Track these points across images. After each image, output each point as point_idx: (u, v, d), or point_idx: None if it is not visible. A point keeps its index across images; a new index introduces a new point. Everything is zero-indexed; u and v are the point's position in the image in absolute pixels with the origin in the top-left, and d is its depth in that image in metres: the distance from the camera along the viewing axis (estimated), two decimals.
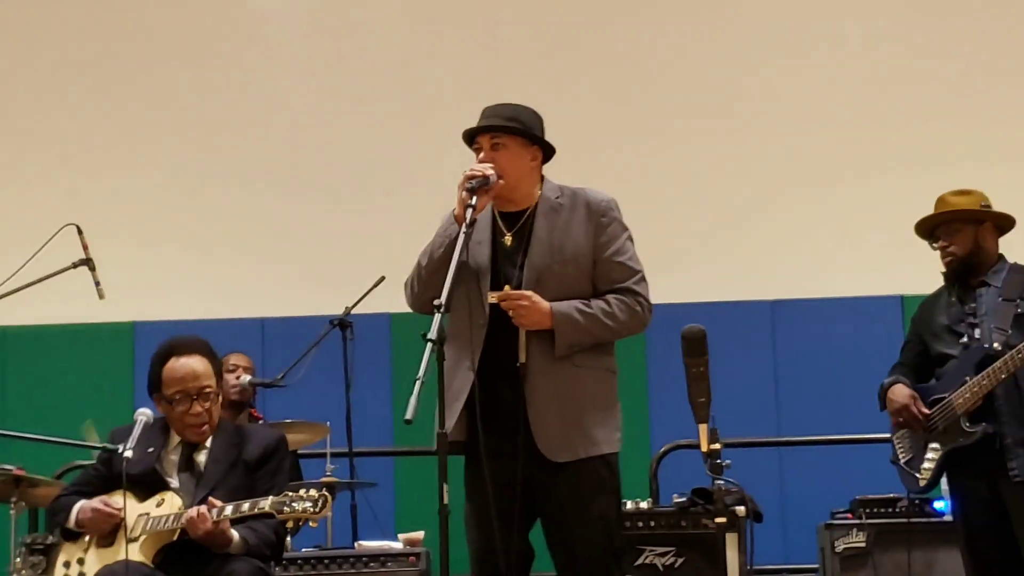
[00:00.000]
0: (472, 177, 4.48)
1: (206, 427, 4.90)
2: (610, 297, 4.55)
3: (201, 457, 4.91)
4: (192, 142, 9.16)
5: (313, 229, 9.06)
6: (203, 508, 4.61)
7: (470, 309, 4.51)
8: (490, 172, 4.50)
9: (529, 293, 4.46)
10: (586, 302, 4.53)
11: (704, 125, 9.20)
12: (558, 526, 4.49)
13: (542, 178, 4.70)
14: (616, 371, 4.61)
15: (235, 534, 4.68)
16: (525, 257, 4.57)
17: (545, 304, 4.46)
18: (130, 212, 8.96)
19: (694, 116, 9.22)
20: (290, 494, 4.55)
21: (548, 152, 4.68)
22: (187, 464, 4.90)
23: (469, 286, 4.54)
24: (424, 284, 4.55)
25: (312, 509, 4.50)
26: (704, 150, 9.16)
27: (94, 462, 5.17)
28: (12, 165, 9.07)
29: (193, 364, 4.89)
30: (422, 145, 8.96)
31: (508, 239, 4.61)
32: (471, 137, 4.66)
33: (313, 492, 4.54)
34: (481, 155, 4.59)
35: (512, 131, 4.60)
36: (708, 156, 9.15)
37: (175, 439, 4.95)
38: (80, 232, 5.66)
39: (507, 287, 4.52)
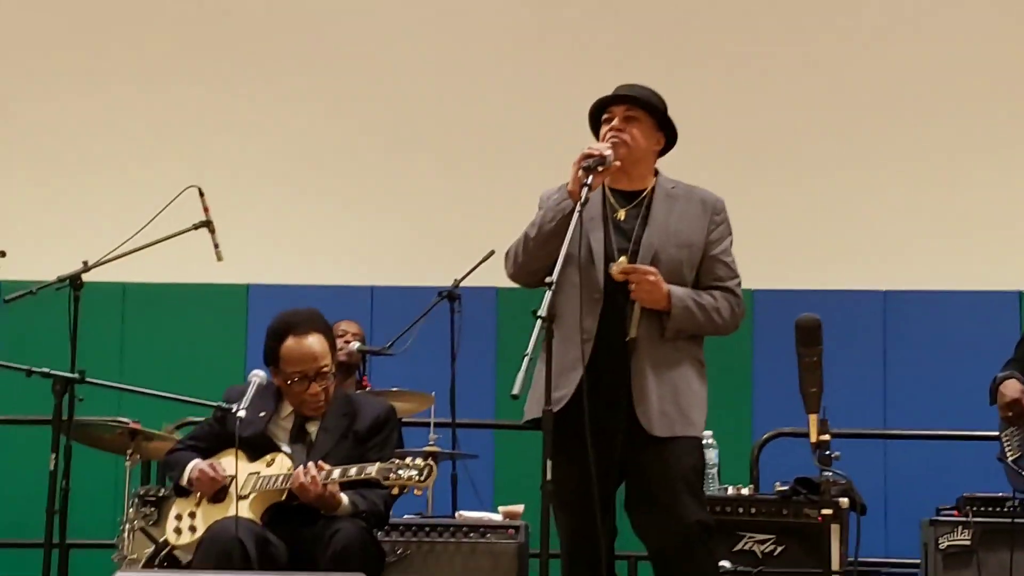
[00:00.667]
0: (590, 156, 4.50)
1: (322, 404, 4.96)
2: (717, 294, 4.61)
3: (313, 427, 4.98)
4: (312, 110, 9.26)
5: (426, 200, 9.12)
6: (312, 470, 4.68)
7: (581, 283, 4.51)
8: (608, 152, 4.51)
9: (655, 270, 4.50)
10: (698, 293, 4.58)
11: (820, 111, 9.12)
12: (653, 500, 4.50)
13: (656, 170, 4.73)
14: (704, 363, 4.67)
15: (344, 498, 4.76)
16: (641, 233, 4.59)
17: (665, 285, 4.51)
18: (248, 176, 9.08)
19: (810, 103, 9.14)
20: (396, 461, 4.62)
21: (669, 145, 4.72)
22: (299, 434, 4.97)
23: (579, 261, 4.54)
24: (529, 255, 4.58)
25: (417, 477, 4.57)
26: (821, 137, 9.08)
27: (208, 418, 5.28)
28: (138, 129, 9.21)
29: (311, 344, 4.91)
30: (536, 122, 8.98)
31: (622, 214, 4.63)
32: (602, 107, 4.68)
33: (419, 461, 4.60)
34: (614, 123, 4.62)
35: (649, 108, 4.64)
36: (825, 142, 9.07)
37: (288, 407, 5.02)
38: (202, 194, 5.76)
39: (622, 259, 4.53)
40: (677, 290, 4.53)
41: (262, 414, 4.96)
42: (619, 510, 4.61)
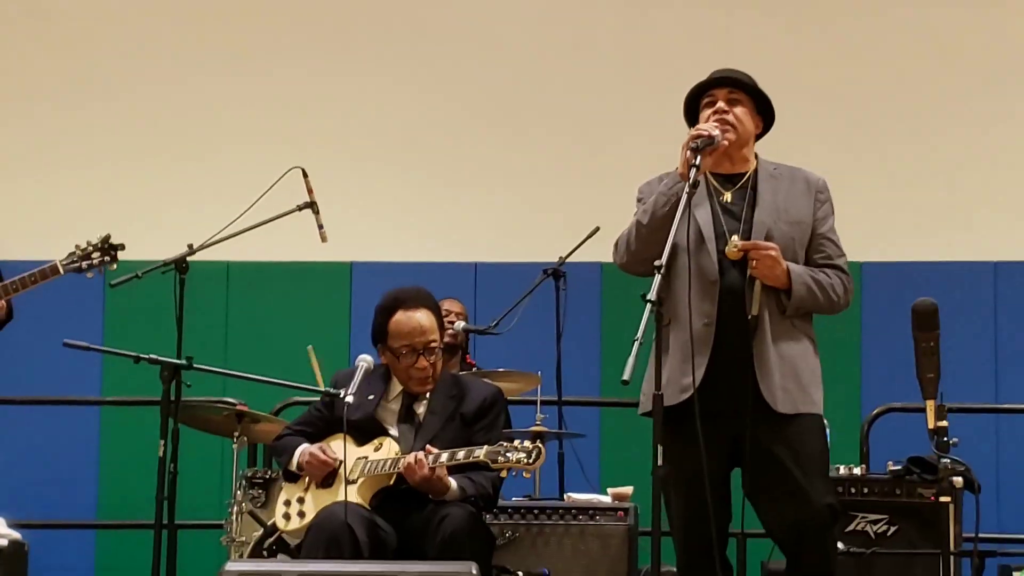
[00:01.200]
0: (698, 136, 4.47)
1: (430, 380, 4.96)
2: (831, 272, 4.62)
3: (420, 408, 4.99)
4: (413, 87, 9.23)
5: (529, 176, 9.06)
6: (420, 454, 4.68)
7: (693, 269, 4.49)
8: (716, 132, 4.49)
9: (775, 246, 4.50)
10: (814, 270, 4.59)
11: (928, 80, 8.92)
12: (782, 483, 4.46)
13: (756, 153, 4.74)
14: (816, 341, 4.66)
15: (453, 482, 4.76)
16: (752, 213, 4.59)
17: (784, 262, 4.51)
18: (352, 153, 9.08)
19: (917, 72, 8.94)
20: (504, 444, 4.61)
21: (766, 128, 4.75)
22: (407, 414, 4.98)
23: (688, 247, 4.51)
24: (644, 242, 4.56)
25: (526, 460, 4.55)
26: (926, 104, 8.89)
27: (315, 400, 5.29)
28: (240, 111, 9.25)
29: (420, 318, 4.95)
30: (642, 101, 8.87)
31: (728, 196, 4.64)
32: (701, 91, 4.67)
33: (527, 443, 4.59)
34: (718, 105, 4.62)
35: (751, 91, 4.68)
36: (930, 110, 8.88)
37: (396, 388, 5.03)
38: (305, 175, 5.77)
39: (734, 239, 4.52)
40: (795, 267, 4.55)
41: (371, 397, 4.98)
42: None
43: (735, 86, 4.65)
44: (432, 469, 4.67)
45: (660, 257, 4.30)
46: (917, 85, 8.93)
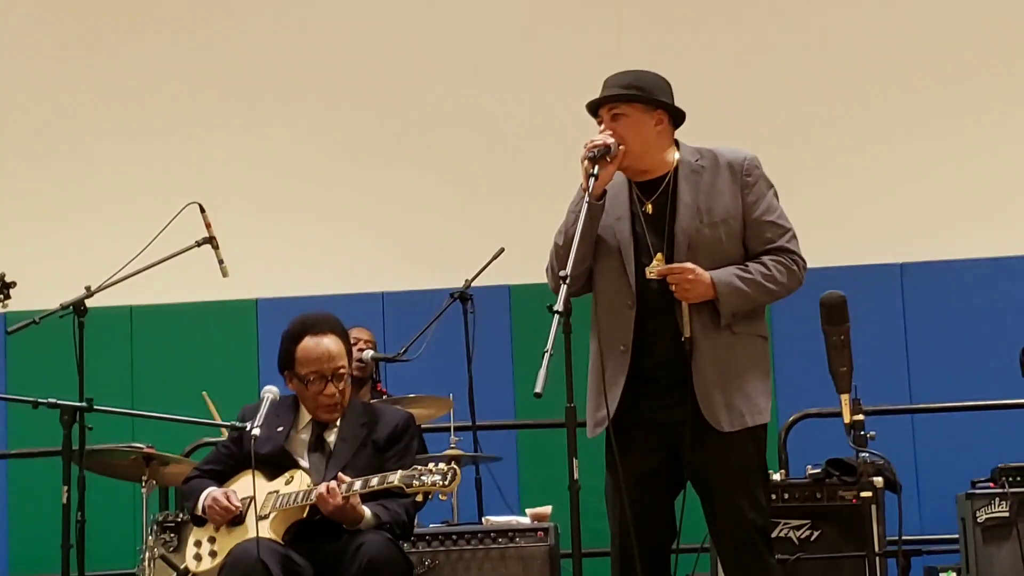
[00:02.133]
0: (593, 147, 4.39)
1: (339, 407, 4.87)
2: (766, 259, 4.42)
3: (331, 437, 4.88)
4: (312, 119, 9.17)
5: (432, 203, 9.02)
6: (332, 483, 4.58)
7: (616, 290, 4.43)
8: (610, 140, 4.41)
9: (692, 266, 4.35)
10: (744, 267, 4.41)
11: (832, 85, 8.99)
12: (721, 497, 4.40)
13: (677, 143, 4.56)
14: (767, 336, 4.51)
15: (367, 510, 4.66)
16: (673, 223, 4.45)
17: (707, 275, 4.34)
18: (251, 189, 9.00)
19: (822, 76, 9.01)
20: (419, 468, 4.52)
21: (677, 116, 4.55)
22: (317, 443, 4.88)
23: (612, 265, 4.45)
24: (562, 263, 4.40)
25: (441, 482, 4.47)
26: (832, 110, 8.96)
27: (224, 440, 5.18)
28: (135, 145, 9.14)
29: (328, 344, 4.85)
30: (542, 118, 8.86)
31: (649, 207, 4.49)
32: (594, 111, 4.56)
33: (442, 466, 4.50)
34: (602, 127, 4.49)
35: (629, 98, 4.48)
36: (836, 116, 8.95)
37: (305, 418, 4.93)
38: (203, 210, 5.67)
39: (658, 256, 4.42)
40: (720, 274, 4.36)
41: (280, 428, 4.87)
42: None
43: (611, 102, 4.49)
44: (345, 498, 4.57)
45: (587, 275, 4.31)
46: (822, 91, 8.99)
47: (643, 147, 4.48)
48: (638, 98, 4.48)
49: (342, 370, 4.85)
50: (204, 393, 6.50)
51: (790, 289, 4.47)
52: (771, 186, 4.52)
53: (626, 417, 4.39)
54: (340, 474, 4.64)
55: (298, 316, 4.99)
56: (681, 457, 4.39)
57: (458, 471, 4.50)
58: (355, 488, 4.58)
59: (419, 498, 4.59)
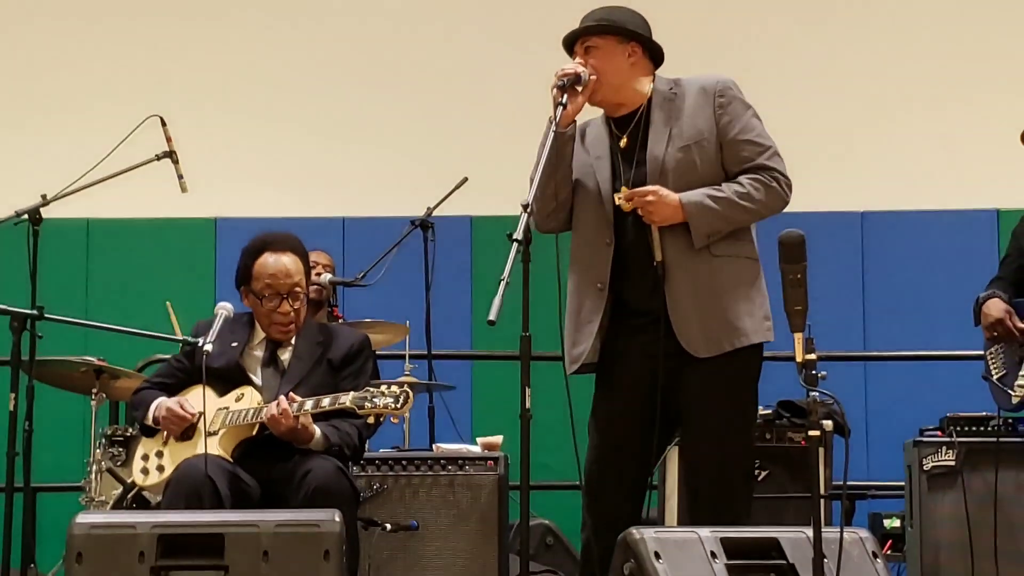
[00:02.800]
0: (563, 75, 4.37)
1: (292, 326, 4.84)
2: (742, 178, 4.38)
3: (285, 355, 4.86)
4: (279, 38, 9.07)
5: (396, 129, 8.96)
6: (284, 402, 4.56)
7: (595, 228, 4.41)
8: (581, 69, 4.39)
9: (655, 188, 4.32)
10: (717, 187, 4.35)
11: (801, 31, 8.97)
12: (688, 430, 4.39)
13: (655, 77, 4.52)
14: (758, 258, 4.43)
15: (317, 430, 4.65)
16: (644, 151, 4.42)
17: (674, 196, 4.30)
18: (214, 107, 8.90)
19: (790, 22, 8.99)
20: (371, 389, 4.51)
21: (654, 51, 4.52)
22: (271, 360, 4.86)
23: (590, 204, 4.44)
24: (538, 200, 4.39)
25: (393, 405, 4.45)
26: (800, 57, 8.93)
27: (176, 355, 5.15)
28: (97, 55, 9.02)
29: (285, 262, 4.83)
30: (508, 46, 8.80)
31: (623, 141, 4.47)
32: (570, 47, 4.53)
33: (395, 388, 4.49)
34: (576, 59, 4.47)
35: (601, 30, 4.46)
36: (803, 63, 8.93)
37: (260, 335, 4.91)
38: (164, 124, 5.61)
39: (623, 188, 4.38)
40: (689, 195, 4.32)
41: (234, 344, 4.85)
42: None
43: (584, 34, 4.47)
44: (296, 418, 4.55)
45: (565, 208, 4.34)
46: (789, 37, 8.96)
47: (616, 78, 4.45)
48: (609, 29, 4.46)
49: (297, 289, 4.83)
50: (168, 303, 6.44)
51: (771, 207, 4.40)
52: (748, 107, 4.47)
53: (609, 353, 4.40)
54: (291, 393, 4.63)
55: (259, 233, 4.96)
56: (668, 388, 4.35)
57: (411, 394, 4.49)
58: (306, 408, 4.57)
59: (371, 420, 4.58)
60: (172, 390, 4.87)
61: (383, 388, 4.49)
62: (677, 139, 4.40)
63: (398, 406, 4.46)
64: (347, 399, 4.51)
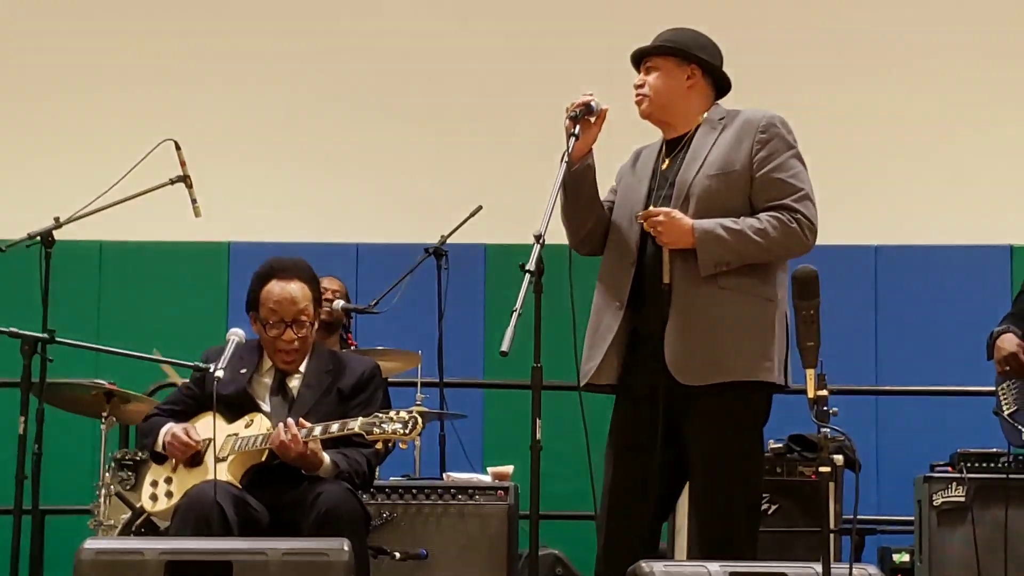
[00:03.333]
0: (575, 107, 4.37)
1: (295, 356, 4.82)
2: (763, 214, 4.32)
3: (294, 383, 4.85)
4: (295, 63, 9.10)
5: (412, 156, 8.97)
6: (293, 428, 4.54)
7: (621, 247, 4.41)
8: (591, 100, 4.38)
9: (668, 209, 4.29)
10: (735, 219, 4.30)
11: (814, 63, 8.97)
12: (700, 460, 4.31)
13: (714, 105, 4.53)
14: (775, 299, 4.34)
15: (327, 457, 4.64)
16: (677, 174, 4.41)
17: (687, 221, 4.27)
18: (229, 131, 8.92)
19: (806, 58, 8.99)
20: (380, 415, 4.49)
21: (715, 76, 4.52)
22: (279, 388, 4.85)
23: (623, 223, 4.44)
24: (568, 222, 4.45)
25: (402, 431, 4.43)
26: (814, 89, 8.92)
27: (187, 380, 5.15)
28: (114, 78, 9.05)
29: (292, 290, 4.81)
30: (529, 76, 8.80)
31: (666, 163, 4.48)
32: (637, 67, 4.56)
33: (403, 414, 4.47)
34: (637, 79, 4.51)
35: (662, 51, 4.49)
36: (817, 95, 8.92)
37: (268, 362, 4.90)
38: (178, 148, 5.59)
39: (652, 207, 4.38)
40: (703, 222, 4.27)
41: (243, 371, 4.84)
42: None
43: (645, 55, 4.50)
44: (305, 443, 4.54)
45: (598, 233, 4.36)
46: (803, 68, 8.97)
47: (668, 98, 4.47)
48: (670, 51, 4.48)
49: (303, 317, 4.80)
50: (155, 350, 6.40)
51: (787, 248, 4.34)
52: (791, 147, 4.41)
53: (627, 377, 4.38)
54: (301, 419, 4.62)
55: (270, 258, 4.96)
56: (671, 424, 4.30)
57: (419, 420, 4.47)
58: (315, 434, 4.56)
59: (379, 446, 4.58)
60: (182, 417, 4.87)
61: (391, 414, 4.48)
62: (710, 167, 4.37)
63: (407, 432, 4.44)
64: (355, 424, 4.51)
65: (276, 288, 4.81)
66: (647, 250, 4.37)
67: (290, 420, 4.59)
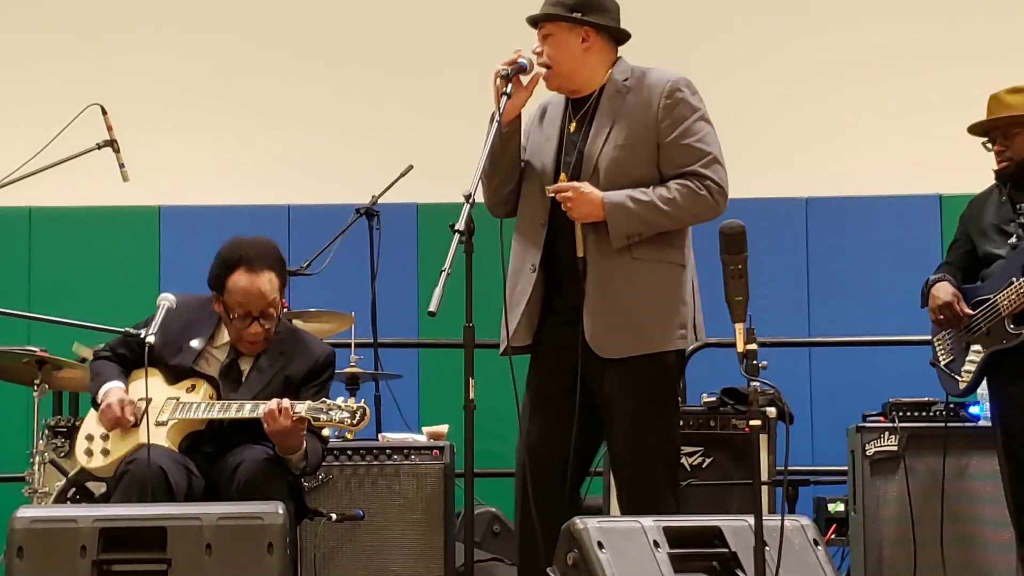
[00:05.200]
0: (506, 65, 4.37)
1: (261, 345, 4.71)
2: (672, 183, 4.35)
3: (245, 364, 4.75)
4: (222, 24, 9.01)
5: (342, 116, 8.92)
6: (285, 402, 4.45)
7: (533, 209, 4.43)
8: (522, 59, 4.38)
9: (577, 184, 4.32)
10: (644, 189, 4.33)
11: (744, 14, 8.99)
12: (609, 427, 4.42)
13: (617, 60, 4.51)
14: (685, 264, 4.42)
15: (305, 444, 4.56)
16: (584, 144, 4.42)
17: (596, 194, 4.30)
18: (156, 95, 8.83)
19: (731, 5, 9.01)
20: (327, 402, 4.47)
21: (614, 34, 4.49)
22: (230, 368, 4.74)
23: (533, 184, 4.45)
24: (487, 184, 4.46)
25: (350, 420, 4.42)
26: (743, 40, 8.95)
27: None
28: (37, 42, 8.93)
29: (261, 284, 4.62)
30: (456, 33, 8.78)
31: (572, 126, 4.48)
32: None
33: (352, 402, 4.45)
34: (534, 47, 4.47)
35: (552, 17, 4.45)
36: (747, 46, 8.95)
37: (224, 336, 4.78)
38: (104, 112, 5.53)
39: (563, 177, 4.40)
40: (612, 194, 4.31)
41: (194, 343, 4.73)
42: None
43: (540, 21, 4.46)
44: (297, 419, 4.44)
45: (515, 194, 4.37)
46: (733, 20, 8.98)
47: (570, 65, 4.44)
48: (560, 17, 4.44)
49: (271, 309, 4.66)
50: (77, 345, 6.32)
51: (696, 215, 4.38)
52: (696, 110, 4.42)
53: (540, 337, 4.43)
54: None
55: (238, 241, 4.74)
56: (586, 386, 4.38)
57: (367, 412, 4.45)
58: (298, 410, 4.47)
59: (326, 433, 4.56)
60: (131, 364, 4.75)
61: (339, 401, 4.45)
62: (615, 137, 4.38)
63: (354, 422, 4.42)
64: (303, 409, 4.45)
65: (243, 280, 4.63)
66: (558, 213, 4.39)
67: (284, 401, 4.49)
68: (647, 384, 4.36)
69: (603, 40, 4.48)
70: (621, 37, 4.52)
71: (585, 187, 4.31)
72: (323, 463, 5.24)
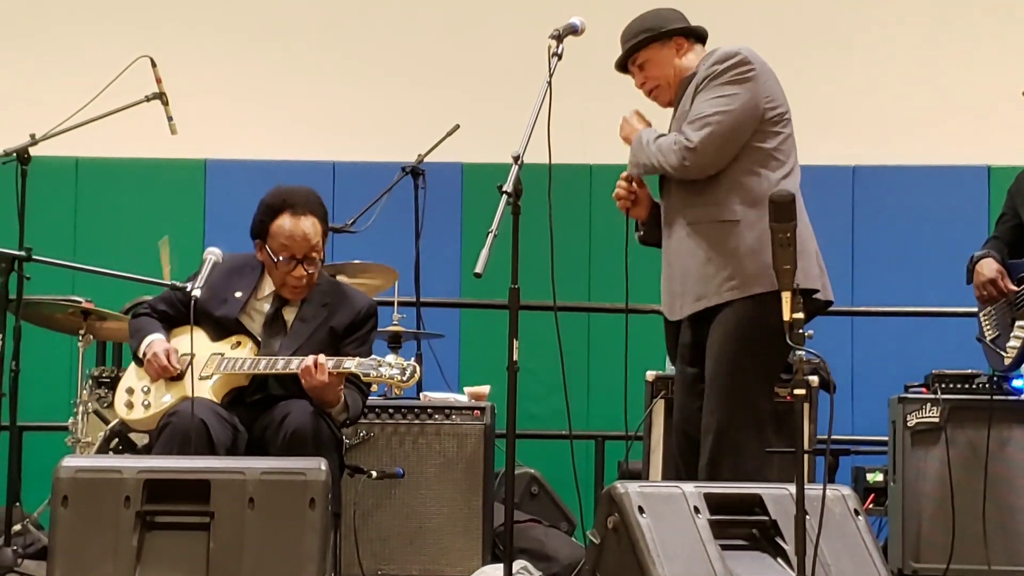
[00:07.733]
0: (622, 206, 4.75)
1: (304, 290, 4.73)
2: (669, 135, 4.60)
3: (289, 314, 4.76)
4: None
5: (389, 73, 8.90)
6: (321, 357, 4.48)
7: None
8: (576, 19, 4.44)
9: (634, 111, 4.70)
10: (664, 132, 4.63)
11: None
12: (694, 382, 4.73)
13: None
14: (736, 219, 4.52)
15: (343, 397, 4.59)
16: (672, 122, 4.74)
17: (637, 126, 4.67)
18: (206, 48, 8.85)
19: None
20: (378, 359, 4.49)
21: (698, 34, 4.72)
22: (275, 318, 4.76)
23: None
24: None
25: (400, 377, 4.44)
26: (793, 12, 8.88)
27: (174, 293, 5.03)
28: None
29: (305, 226, 4.67)
30: None
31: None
32: (624, 71, 4.77)
33: (402, 360, 4.47)
34: (636, 81, 4.74)
35: (643, 44, 4.65)
36: (797, 18, 8.88)
37: (267, 287, 4.80)
38: (154, 64, 5.55)
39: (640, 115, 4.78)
40: (647, 131, 4.66)
41: (238, 294, 4.75)
42: None
43: (631, 55, 4.66)
44: (333, 375, 4.47)
45: None
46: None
47: (675, 77, 4.68)
48: (648, 40, 4.64)
49: (314, 253, 4.69)
50: (163, 241, 6.38)
51: (662, 164, 4.55)
52: (718, 76, 4.52)
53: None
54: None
55: (279, 188, 4.79)
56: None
57: (418, 370, 4.49)
58: (344, 367, 4.51)
59: (374, 388, 4.58)
60: (172, 321, 4.79)
61: (390, 359, 4.47)
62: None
63: (404, 379, 4.44)
64: (353, 365, 4.47)
65: (288, 223, 4.67)
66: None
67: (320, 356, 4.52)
68: (723, 339, 4.51)
69: (691, 43, 4.70)
70: (701, 34, 4.73)
71: (635, 118, 4.69)
72: (364, 420, 5.27)
